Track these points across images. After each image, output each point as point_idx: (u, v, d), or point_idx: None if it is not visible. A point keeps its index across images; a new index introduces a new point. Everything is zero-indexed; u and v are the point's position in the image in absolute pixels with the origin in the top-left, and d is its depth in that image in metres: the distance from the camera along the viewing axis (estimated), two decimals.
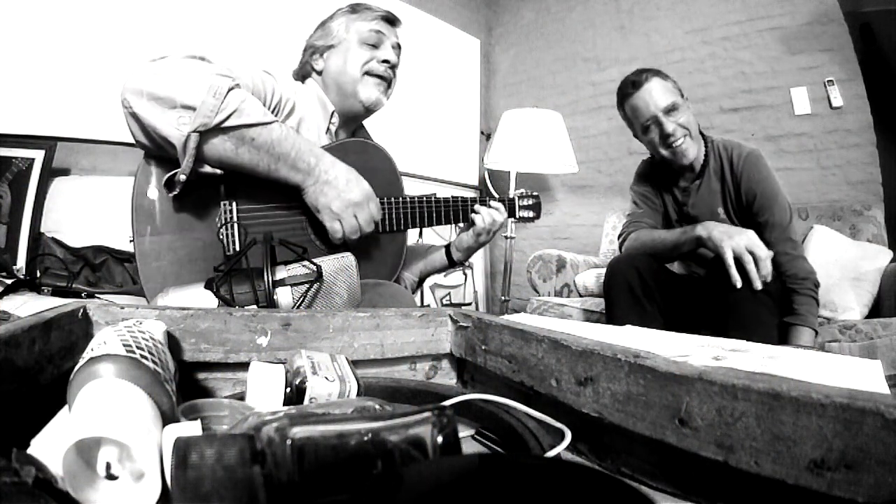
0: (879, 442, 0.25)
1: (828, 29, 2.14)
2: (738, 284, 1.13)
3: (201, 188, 0.82)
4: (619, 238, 1.52)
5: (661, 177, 1.49)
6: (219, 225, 0.85)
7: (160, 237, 0.83)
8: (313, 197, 0.86)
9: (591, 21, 2.93)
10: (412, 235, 2.34)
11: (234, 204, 0.86)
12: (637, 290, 1.30)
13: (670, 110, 1.32)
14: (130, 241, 0.83)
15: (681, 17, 2.58)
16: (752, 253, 1.13)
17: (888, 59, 2.05)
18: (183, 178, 0.76)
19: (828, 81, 2.13)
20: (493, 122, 3.12)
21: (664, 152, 1.37)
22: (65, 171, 1.77)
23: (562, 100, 3.01)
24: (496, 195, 1.19)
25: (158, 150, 0.79)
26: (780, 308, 1.27)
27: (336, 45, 1.06)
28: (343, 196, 0.86)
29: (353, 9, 1.09)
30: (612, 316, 1.35)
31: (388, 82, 1.08)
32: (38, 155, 1.70)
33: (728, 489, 0.33)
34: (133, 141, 0.80)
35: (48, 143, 1.71)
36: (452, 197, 1.10)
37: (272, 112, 0.91)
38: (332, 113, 1.07)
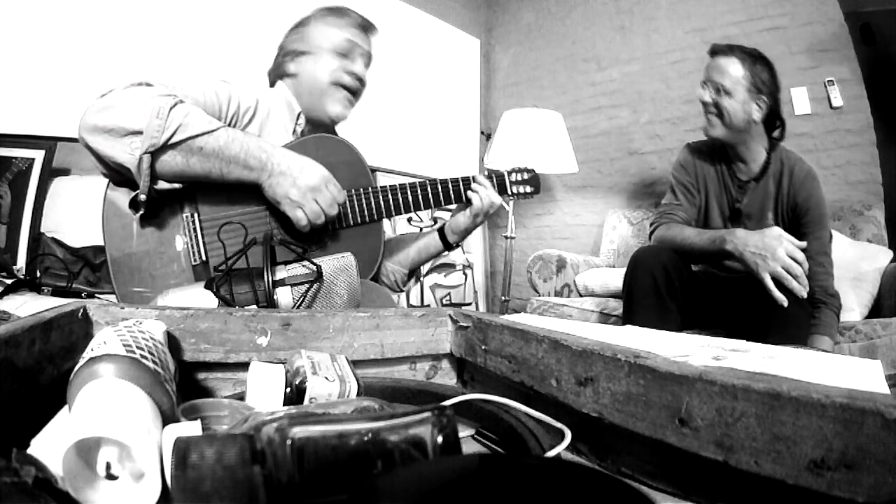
0: (879, 442, 0.25)
1: (828, 29, 2.13)
2: (785, 304, 1.13)
3: (166, 204, 0.87)
4: (650, 226, 1.52)
5: (717, 166, 1.48)
6: (185, 237, 0.88)
7: (134, 257, 0.86)
8: (271, 190, 0.88)
9: (591, 21, 2.93)
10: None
11: (195, 215, 0.89)
12: (661, 287, 1.28)
13: (718, 89, 1.38)
14: (103, 261, 0.85)
15: (681, 17, 2.58)
16: (787, 269, 1.14)
17: (888, 59, 2.05)
18: (143, 197, 0.80)
19: (828, 81, 2.13)
20: (493, 122, 3.11)
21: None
22: (65, 171, 1.77)
23: (562, 100, 3.00)
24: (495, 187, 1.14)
25: (121, 177, 0.83)
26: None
27: (309, 52, 1.06)
28: (298, 183, 0.87)
29: (330, 11, 1.09)
30: (630, 309, 1.33)
31: (354, 93, 1.09)
32: (38, 155, 1.71)
33: (728, 489, 0.33)
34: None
35: (48, 143, 1.71)
36: (440, 179, 1.06)
37: (231, 118, 0.95)
38: (299, 114, 1.07)
